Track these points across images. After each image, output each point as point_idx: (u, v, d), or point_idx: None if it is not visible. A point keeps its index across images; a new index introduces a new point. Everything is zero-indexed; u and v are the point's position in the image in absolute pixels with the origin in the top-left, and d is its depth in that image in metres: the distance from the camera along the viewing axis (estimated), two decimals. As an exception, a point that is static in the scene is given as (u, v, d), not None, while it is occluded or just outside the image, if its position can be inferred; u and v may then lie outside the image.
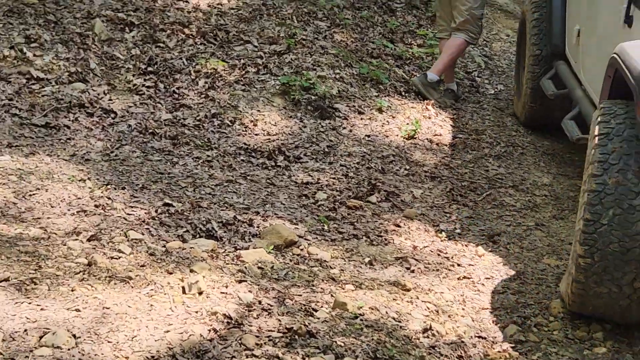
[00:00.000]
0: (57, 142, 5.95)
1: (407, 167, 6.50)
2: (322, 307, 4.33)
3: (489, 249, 5.48)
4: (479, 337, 4.41)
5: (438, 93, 7.64)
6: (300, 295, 4.41)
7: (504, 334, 4.46)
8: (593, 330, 4.57)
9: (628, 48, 4.42)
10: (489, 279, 5.05)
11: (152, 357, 3.74)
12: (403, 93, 7.51)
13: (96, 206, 5.17)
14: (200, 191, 5.74)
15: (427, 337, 4.29)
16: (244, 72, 7.18)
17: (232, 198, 5.72)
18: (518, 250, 5.49)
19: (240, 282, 4.41)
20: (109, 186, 5.46)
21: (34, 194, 5.16)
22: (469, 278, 5.03)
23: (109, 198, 5.31)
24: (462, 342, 4.32)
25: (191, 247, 4.90)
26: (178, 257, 4.66)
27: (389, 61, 7.98)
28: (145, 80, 6.87)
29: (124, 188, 5.49)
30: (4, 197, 5.07)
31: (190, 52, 7.33)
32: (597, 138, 4.34)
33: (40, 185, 5.27)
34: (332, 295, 4.47)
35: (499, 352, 4.28)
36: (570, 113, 5.99)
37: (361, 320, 4.28)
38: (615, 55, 4.52)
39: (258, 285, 4.42)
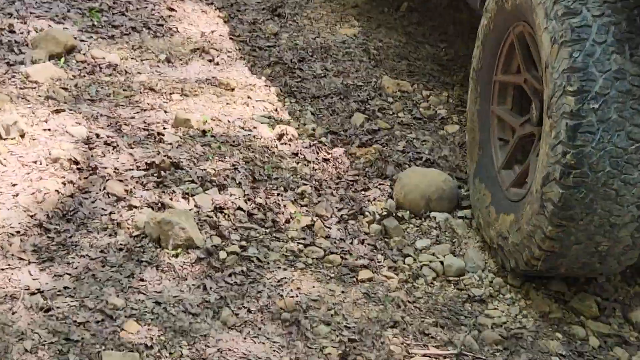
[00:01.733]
0: None
1: None
2: (164, 128, 3.74)
3: (279, 25, 5.00)
4: (330, 132, 4.05)
5: None
6: (134, 118, 3.77)
7: (352, 125, 4.11)
8: (433, 105, 4.36)
9: None
10: (301, 61, 4.63)
11: (18, 232, 3.03)
12: None
13: None
14: None
15: (285, 143, 3.87)
16: None
17: (-33, -1, 4.72)
18: (307, 22, 5.06)
19: (58, 112, 3.67)
20: None
21: None
22: (282, 63, 4.57)
23: None
24: (320, 142, 3.94)
25: (-40, 73, 4.01)
26: (-39, 90, 3.79)
27: None
28: None
29: None
30: None
31: None
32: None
33: None
34: (165, 112, 3.87)
35: (360, 147, 3.95)
36: None
37: (212, 137, 3.75)
38: None
39: (80, 112, 3.71)
